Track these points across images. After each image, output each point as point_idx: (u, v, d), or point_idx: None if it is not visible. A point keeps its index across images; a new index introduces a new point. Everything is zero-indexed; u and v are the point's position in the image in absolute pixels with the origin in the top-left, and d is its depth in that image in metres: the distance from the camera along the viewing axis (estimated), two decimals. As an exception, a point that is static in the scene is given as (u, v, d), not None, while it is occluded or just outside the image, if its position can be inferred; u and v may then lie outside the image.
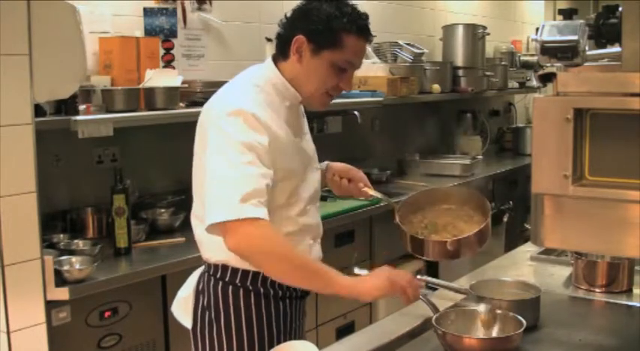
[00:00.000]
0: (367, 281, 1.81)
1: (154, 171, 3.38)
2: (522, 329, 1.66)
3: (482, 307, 1.79)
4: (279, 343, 1.88)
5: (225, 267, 1.87)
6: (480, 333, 1.73)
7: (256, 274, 1.86)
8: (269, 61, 1.94)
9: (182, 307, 1.97)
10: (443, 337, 1.67)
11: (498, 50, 6.05)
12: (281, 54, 1.91)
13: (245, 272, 1.86)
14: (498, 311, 1.76)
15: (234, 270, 1.87)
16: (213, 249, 1.85)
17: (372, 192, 2.30)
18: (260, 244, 1.71)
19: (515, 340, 1.65)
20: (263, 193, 1.72)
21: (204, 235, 1.80)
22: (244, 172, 1.71)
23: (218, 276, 1.89)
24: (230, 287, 1.88)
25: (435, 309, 1.83)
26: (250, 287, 1.88)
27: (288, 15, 1.92)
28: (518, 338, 1.65)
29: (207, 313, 1.89)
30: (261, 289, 1.88)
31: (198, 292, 1.92)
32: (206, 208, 1.74)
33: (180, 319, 1.99)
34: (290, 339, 1.93)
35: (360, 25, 1.87)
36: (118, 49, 2.99)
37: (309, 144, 2.06)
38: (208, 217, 1.71)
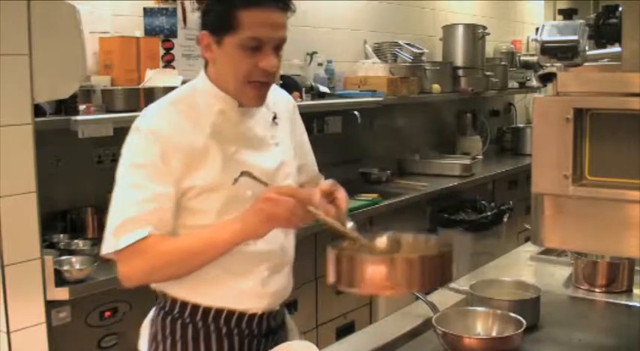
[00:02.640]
0: (246, 217, 1.59)
1: (154, 171, 3.37)
2: (522, 329, 1.66)
3: (482, 308, 1.79)
4: None
5: (165, 296, 1.73)
6: (480, 333, 1.73)
7: (195, 307, 1.70)
8: (201, 72, 1.78)
9: (142, 335, 1.82)
10: (443, 337, 1.66)
11: (498, 50, 6.05)
12: (204, 59, 1.76)
13: (183, 304, 1.71)
14: (498, 311, 1.76)
15: (174, 300, 1.72)
16: None
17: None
18: (142, 269, 1.61)
19: (515, 340, 1.65)
20: (145, 217, 1.59)
21: None
22: (125, 199, 1.63)
23: (161, 306, 1.75)
24: (169, 318, 1.73)
25: (434, 309, 1.82)
26: (187, 320, 1.71)
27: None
28: (518, 338, 1.65)
29: (152, 345, 1.76)
30: (200, 323, 1.71)
31: (150, 322, 1.79)
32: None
33: (139, 346, 1.83)
34: None
35: None
36: (118, 49, 2.99)
37: (267, 158, 1.78)
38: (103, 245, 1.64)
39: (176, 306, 1.71)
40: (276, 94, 1.89)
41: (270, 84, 1.73)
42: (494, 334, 1.72)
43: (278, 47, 1.69)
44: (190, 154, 1.65)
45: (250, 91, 1.70)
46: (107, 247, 1.61)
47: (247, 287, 1.72)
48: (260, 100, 1.73)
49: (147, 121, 1.68)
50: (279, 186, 1.68)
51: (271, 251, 1.75)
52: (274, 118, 1.85)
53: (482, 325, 1.75)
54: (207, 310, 1.70)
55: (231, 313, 1.71)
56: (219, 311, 1.70)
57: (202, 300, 1.70)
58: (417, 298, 1.94)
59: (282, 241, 1.79)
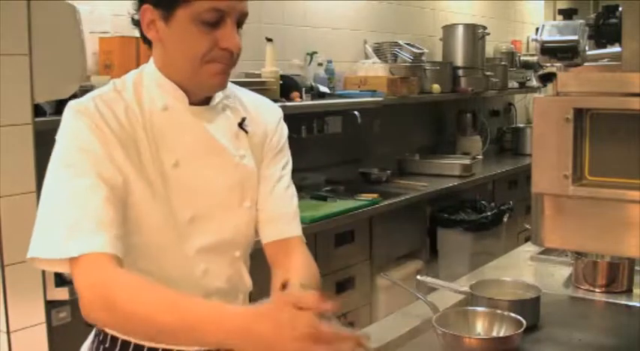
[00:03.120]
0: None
1: (154, 171, 3.37)
2: (522, 329, 1.66)
3: (482, 308, 1.79)
4: None
5: (99, 330, 1.51)
6: (480, 333, 1.73)
7: (138, 346, 1.45)
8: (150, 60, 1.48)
9: None
10: (443, 337, 1.66)
11: (498, 50, 6.05)
12: (145, 43, 1.45)
13: (125, 343, 1.46)
14: (498, 311, 1.76)
15: (114, 338, 1.48)
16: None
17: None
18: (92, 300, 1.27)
19: (515, 340, 1.65)
20: (98, 211, 1.29)
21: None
22: (68, 196, 1.32)
23: (101, 338, 1.52)
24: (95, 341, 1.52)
25: (434, 309, 1.82)
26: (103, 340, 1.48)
27: None
28: (518, 338, 1.65)
29: None
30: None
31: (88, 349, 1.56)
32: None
33: None
34: None
35: None
36: (118, 49, 2.99)
37: (224, 173, 1.47)
38: (31, 248, 1.31)
39: (107, 339, 1.48)
40: (264, 102, 1.64)
41: (230, 68, 1.40)
42: (494, 334, 1.72)
43: (240, 23, 1.38)
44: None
45: (212, 74, 1.38)
46: (52, 251, 1.29)
47: None
48: (221, 84, 1.42)
49: (80, 101, 1.42)
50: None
51: (219, 288, 1.48)
52: (242, 121, 1.53)
53: (483, 325, 1.75)
54: (138, 347, 1.44)
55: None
56: (151, 349, 1.44)
57: (134, 337, 1.42)
58: (417, 298, 1.94)
59: (229, 274, 1.50)
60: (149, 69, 1.44)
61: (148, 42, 1.43)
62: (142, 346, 1.43)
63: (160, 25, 1.37)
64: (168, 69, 1.41)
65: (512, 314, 1.72)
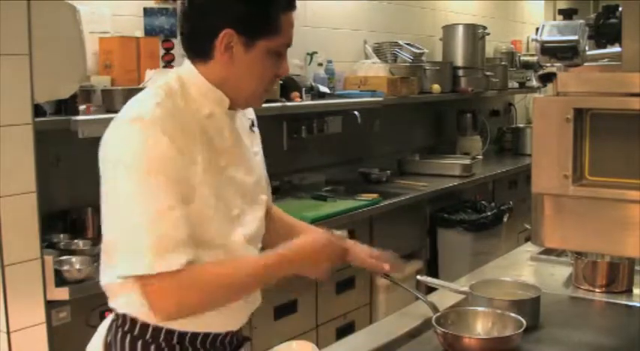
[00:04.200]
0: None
1: (154, 171, 3.37)
2: (522, 329, 1.66)
3: (482, 307, 1.80)
4: None
5: (133, 320, 1.55)
6: (480, 333, 1.73)
7: (170, 331, 1.54)
8: (187, 61, 1.58)
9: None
10: (443, 337, 1.67)
11: (498, 50, 6.05)
12: (199, 55, 1.54)
13: (156, 328, 1.54)
14: (498, 311, 1.76)
15: (144, 325, 1.54)
16: (123, 299, 1.54)
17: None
18: (188, 300, 1.46)
19: (514, 340, 1.65)
20: (179, 228, 1.42)
21: (112, 281, 1.53)
22: (149, 213, 1.40)
23: (126, 329, 1.56)
24: (139, 342, 1.55)
25: (434, 309, 1.82)
26: (163, 344, 1.54)
27: (197, 3, 1.52)
28: (517, 338, 1.65)
29: None
30: (177, 346, 1.55)
31: (107, 346, 1.60)
32: (114, 254, 1.47)
33: None
34: None
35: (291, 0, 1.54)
36: (118, 49, 2.99)
37: (252, 168, 1.65)
38: (119, 271, 1.45)
39: (136, 326, 1.55)
40: None
41: None
42: (494, 334, 1.72)
43: None
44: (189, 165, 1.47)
45: (261, 94, 1.59)
46: (140, 268, 1.42)
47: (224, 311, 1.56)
48: (262, 103, 1.65)
49: (146, 113, 1.46)
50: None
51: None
52: (252, 124, 1.72)
53: (483, 325, 1.75)
54: (170, 331, 1.54)
55: (206, 335, 1.58)
56: (194, 334, 1.56)
57: (173, 325, 1.54)
58: (417, 298, 1.94)
59: None
60: (193, 78, 1.54)
61: (202, 56, 1.53)
62: (161, 328, 1.53)
63: (238, 50, 1.50)
64: (230, 85, 1.54)
65: (512, 314, 1.72)
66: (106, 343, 1.60)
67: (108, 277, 1.55)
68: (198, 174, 1.47)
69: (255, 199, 1.65)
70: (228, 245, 1.55)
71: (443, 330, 1.66)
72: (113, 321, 1.61)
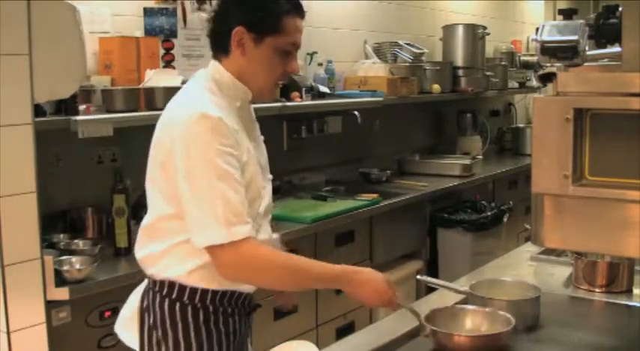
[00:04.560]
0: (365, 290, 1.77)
1: (154, 171, 3.37)
2: (511, 327, 1.67)
3: (472, 306, 1.82)
4: None
5: (172, 284, 1.76)
6: (470, 331, 1.74)
7: (205, 291, 1.77)
8: (212, 61, 1.85)
9: (127, 327, 1.86)
10: (433, 335, 1.68)
11: (498, 50, 6.05)
12: (220, 51, 1.82)
13: (193, 289, 1.76)
14: (487, 309, 1.78)
15: (182, 287, 1.76)
16: (163, 265, 1.77)
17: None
18: (256, 265, 1.70)
19: (503, 337, 1.67)
20: (245, 203, 1.69)
21: (154, 251, 1.78)
22: (222, 188, 1.64)
23: (164, 293, 1.77)
24: (177, 305, 1.76)
25: (416, 314, 1.80)
26: (199, 305, 1.77)
27: (216, 8, 1.86)
28: (506, 336, 1.67)
29: (154, 332, 1.78)
30: (210, 307, 1.78)
31: (142, 311, 1.80)
32: (191, 229, 1.68)
33: (125, 341, 1.88)
34: None
35: (296, 4, 1.81)
36: (118, 49, 2.99)
37: (262, 151, 1.93)
38: (197, 240, 1.67)
39: (174, 289, 1.76)
40: None
41: None
42: (483, 331, 1.73)
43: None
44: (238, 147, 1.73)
45: (273, 87, 1.88)
46: (217, 238, 1.64)
47: None
48: (274, 97, 2.03)
49: (209, 109, 1.69)
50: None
51: (267, 241, 1.88)
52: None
53: (472, 323, 1.76)
54: (205, 292, 1.77)
55: (232, 293, 1.81)
56: (224, 293, 1.80)
57: (208, 284, 1.77)
58: (402, 307, 1.90)
59: (271, 232, 1.95)
60: (222, 76, 1.81)
61: (223, 51, 1.81)
62: (197, 289, 1.76)
63: (249, 46, 1.77)
64: (246, 77, 1.81)
65: (502, 312, 1.74)
66: (142, 309, 1.80)
67: (148, 250, 1.80)
68: (244, 157, 1.73)
69: (267, 176, 1.92)
70: (256, 217, 1.78)
71: (432, 328, 1.68)
72: (149, 288, 1.81)
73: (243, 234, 1.65)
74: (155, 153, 1.80)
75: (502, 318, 1.72)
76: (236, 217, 1.65)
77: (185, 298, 1.76)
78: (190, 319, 1.76)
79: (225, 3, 1.83)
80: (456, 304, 1.96)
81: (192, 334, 1.76)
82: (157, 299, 1.77)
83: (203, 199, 1.65)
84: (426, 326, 1.70)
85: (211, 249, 1.66)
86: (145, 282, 1.85)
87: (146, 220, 1.85)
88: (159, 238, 1.78)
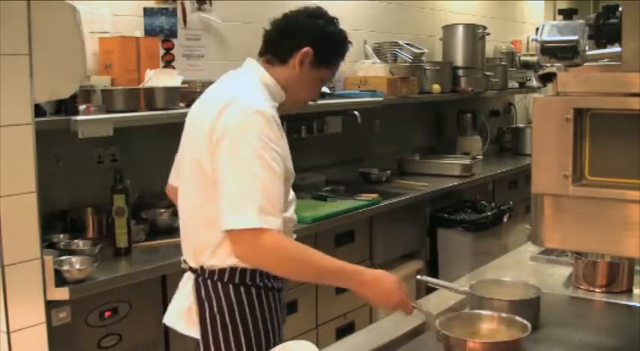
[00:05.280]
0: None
1: (154, 171, 3.36)
2: (527, 334, 1.62)
3: (486, 311, 1.77)
4: (280, 334, 2.00)
5: (233, 269, 1.90)
6: (484, 337, 1.69)
7: (253, 271, 1.92)
8: (255, 63, 2.02)
9: (184, 318, 1.98)
10: (446, 340, 1.63)
11: (498, 50, 6.05)
12: (277, 56, 2.00)
13: (243, 271, 1.91)
14: (503, 314, 1.73)
15: (233, 270, 1.91)
16: (224, 255, 1.89)
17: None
18: (276, 255, 1.80)
19: (519, 344, 1.62)
20: (281, 199, 1.82)
21: (211, 242, 1.89)
22: (265, 179, 1.77)
23: (225, 279, 1.91)
24: (231, 287, 1.91)
25: (429, 316, 1.80)
26: (250, 283, 1.92)
27: (291, 21, 2.03)
28: (522, 343, 1.62)
29: (217, 317, 1.91)
30: (260, 283, 1.93)
31: (202, 300, 1.92)
32: (225, 210, 1.79)
33: (182, 330, 1.99)
34: (281, 330, 2.01)
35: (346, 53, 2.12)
36: (118, 49, 2.99)
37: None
38: (228, 221, 1.78)
39: (236, 274, 1.91)
40: None
41: None
42: (498, 338, 1.68)
43: None
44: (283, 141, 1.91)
45: (297, 108, 2.15)
46: (249, 222, 1.75)
47: None
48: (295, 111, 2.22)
49: (264, 106, 1.85)
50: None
51: (294, 218, 2.05)
52: None
53: (487, 329, 1.71)
54: (253, 271, 1.92)
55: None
56: (260, 272, 1.93)
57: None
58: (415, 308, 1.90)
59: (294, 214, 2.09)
60: (267, 80, 1.99)
61: (280, 58, 2.00)
62: (245, 269, 1.90)
63: (307, 66, 2.00)
64: (289, 88, 2.01)
65: (518, 317, 1.69)
66: (200, 299, 1.92)
67: (204, 241, 1.92)
68: (285, 151, 1.89)
69: None
70: (286, 203, 1.93)
71: (446, 333, 1.63)
72: (200, 280, 1.93)
73: (273, 224, 1.76)
74: (200, 139, 1.88)
75: (518, 323, 1.67)
76: (272, 208, 1.76)
77: (237, 279, 1.90)
78: (244, 297, 1.91)
79: (304, 19, 2.02)
80: (459, 304, 1.96)
81: (248, 310, 1.91)
82: (210, 286, 1.92)
83: (245, 186, 1.76)
84: (439, 331, 1.64)
85: (238, 232, 1.76)
86: (189, 275, 1.99)
87: (195, 213, 1.96)
88: (214, 229, 1.86)
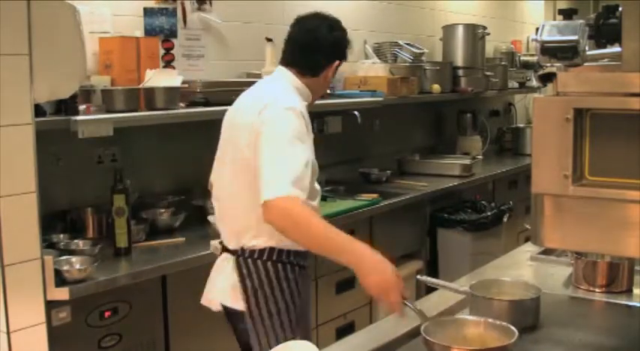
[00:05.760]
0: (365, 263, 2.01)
1: (154, 171, 3.38)
2: (514, 340, 1.58)
3: (473, 317, 1.74)
4: (308, 302, 2.36)
5: (271, 249, 2.21)
6: (470, 343, 1.65)
7: (288, 251, 2.23)
8: (286, 70, 2.34)
9: (229, 295, 2.23)
10: (431, 346, 1.59)
11: (498, 50, 6.05)
12: (310, 71, 2.34)
13: (280, 250, 2.22)
14: (490, 320, 1.69)
15: (272, 249, 2.22)
16: (265, 235, 2.18)
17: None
18: (298, 219, 2.02)
19: (507, 350, 1.57)
20: (307, 181, 2.07)
21: (258, 225, 2.11)
22: (296, 161, 2.06)
23: (265, 258, 2.21)
24: (270, 263, 2.21)
25: (423, 316, 1.77)
26: (286, 260, 2.23)
27: (318, 38, 2.34)
28: (510, 349, 1.57)
29: (258, 292, 2.20)
30: (294, 261, 2.25)
31: (244, 278, 2.21)
32: (263, 185, 2.03)
33: (230, 305, 2.24)
34: (309, 298, 2.38)
35: None
36: (118, 49, 2.99)
37: None
38: (266, 193, 2.01)
39: (274, 253, 2.21)
40: None
41: None
42: (485, 344, 1.63)
43: None
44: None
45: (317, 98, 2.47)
46: (281, 191, 2.00)
47: None
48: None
49: (297, 104, 2.19)
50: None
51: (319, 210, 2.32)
52: None
53: (474, 335, 1.67)
54: (289, 251, 2.23)
55: (298, 251, 2.25)
56: (292, 251, 2.24)
57: (292, 246, 2.20)
58: (406, 305, 1.88)
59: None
60: (297, 84, 2.33)
61: (311, 72, 2.36)
62: (282, 250, 2.23)
63: (330, 73, 2.40)
64: (314, 90, 2.38)
65: (505, 323, 1.65)
66: (242, 276, 2.20)
67: (245, 224, 2.20)
68: (311, 145, 2.19)
69: None
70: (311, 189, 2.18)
71: (431, 340, 1.58)
72: (241, 260, 2.21)
73: (301, 195, 2.01)
74: (243, 135, 2.17)
75: (505, 329, 1.62)
76: (302, 183, 2.03)
77: (275, 257, 2.21)
78: (281, 273, 2.22)
79: (327, 35, 2.35)
80: (459, 304, 1.96)
81: (287, 286, 2.23)
82: (250, 264, 2.21)
83: (283, 164, 2.05)
84: (424, 338, 1.59)
85: (273, 201, 2.00)
86: (226, 256, 2.26)
87: (236, 200, 2.23)
88: (253, 214, 2.10)
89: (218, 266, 2.31)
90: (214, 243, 2.36)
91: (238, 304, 2.23)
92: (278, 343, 2.03)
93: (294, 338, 2.14)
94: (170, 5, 3.36)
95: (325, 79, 2.39)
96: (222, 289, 2.26)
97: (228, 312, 2.30)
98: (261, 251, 2.22)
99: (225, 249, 2.29)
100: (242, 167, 2.18)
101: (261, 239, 2.21)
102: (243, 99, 2.33)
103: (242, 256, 2.22)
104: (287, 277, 2.25)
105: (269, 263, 2.22)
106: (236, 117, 2.28)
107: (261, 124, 2.12)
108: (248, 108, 2.22)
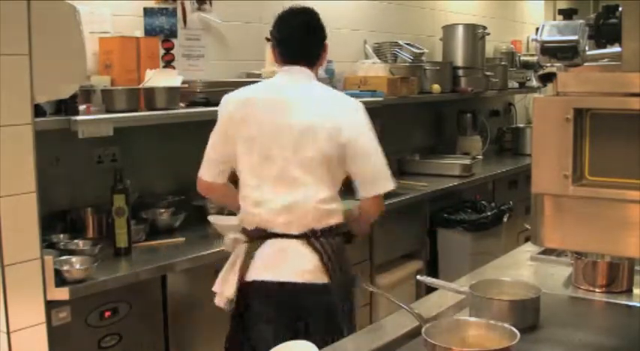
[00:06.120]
0: None
1: (154, 171, 3.38)
2: (516, 341, 1.56)
3: (474, 318, 1.74)
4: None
5: (333, 227, 2.51)
6: (471, 344, 1.64)
7: (342, 225, 2.58)
8: (311, 70, 2.58)
9: (311, 273, 2.42)
10: (432, 348, 1.57)
11: (498, 50, 6.05)
12: (313, 60, 2.59)
13: (336, 227, 2.53)
14: (491, 322, 1.67)
15: (336, 226, 2.53)
16: (328, 219, 2.49)
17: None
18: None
19: None
20: None
21: (334, 206, 2.52)
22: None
23: (327, 233, 2.48)
24: (337, 238, 2.54)
25: (421, 319, 1.77)
26: (340, 234, 2.58)
27: (311, 21, 2.58)
28: (512, 350, 1.56)
29: (332, 258, 2.47)
30: (345, 232, 2.65)
31: (319, 251, 2.45)
32: (373, 179, 2.58)
33: (315, 280, 2.42)
34: None
35: None
36: (118, 49, 2.99)
37: None
38: (386, 185, 2.58)
39: (333, 230, 2.53)
40: None
41: None
42: (486, 345, 1.60)
43: None
44: None
45: None
46: (391, 186, 2.58)
47: None
48: None
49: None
50: None
51: None
52: None
53: (475, 336, 1.65)
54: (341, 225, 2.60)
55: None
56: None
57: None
58: (402, 307, 1.86)
59: None
60: (316, 80, 2.61)
61: (315, 61, 2.62)
62: (340, 223, 2.59)
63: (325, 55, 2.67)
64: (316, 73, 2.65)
65: (506, 325, 1.63)
66: (318, 250, 2.44)
67: (321, 205, 2.49)
68: None
69: None
70: None
71: (432, 341, 1.56)
72: (313, 239, 2.45)
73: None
74: (324, 138, 2.46)
75: (506, 331, 1.60)
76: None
77: (335, 233, 2.53)
78: (341, 243, 2.58)
79: (319, 27, 2.59)
80: (459, 304, 1.96)
81: (346, 251, 2.63)
82: (323, 240, 2.47)
83: (382, 159, 2.56)
84: (425, 339, 1.58)
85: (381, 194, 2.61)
86: (290, 243, 2.44)
87: (309, 194, 2.48)
88: (323, 204, 2.48)
89: (283, 252, 2.44)
90: (232, 237, 2.48)
91: (321, 278, 2.44)
92: (354, 307, 2.59)
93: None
94: (170, 5, 3.36)
95: (324, 60, 2.67)
96: (301, 269, 2.43)
97: (298, 289, 2.43)
98: (327, 230, 2.50)
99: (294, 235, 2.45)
100: (318, 162, 2.47)
101: (325, 222, 2.50)
102: (297, 99, 2.52)
103: (313, 237, 2.46)
104: (345, 246, 2.63)
105: (323, 240, 2.49)
106: (309, 122, 2.45)
107: (349, 123, 2.54)
108: (327, 110, 2.51)
